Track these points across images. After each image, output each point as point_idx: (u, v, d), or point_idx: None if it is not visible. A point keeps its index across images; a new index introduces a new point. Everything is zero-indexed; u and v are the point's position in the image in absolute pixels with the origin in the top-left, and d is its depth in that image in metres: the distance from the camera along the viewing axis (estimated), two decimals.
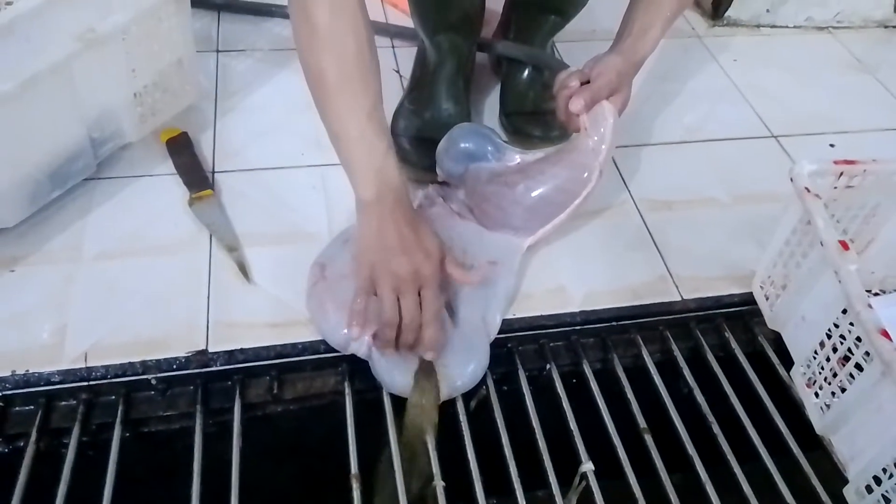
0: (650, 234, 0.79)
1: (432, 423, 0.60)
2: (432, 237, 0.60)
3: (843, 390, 0.59)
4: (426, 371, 0.61)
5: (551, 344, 0.69)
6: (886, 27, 1.17)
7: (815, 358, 0.63)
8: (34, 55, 0.62)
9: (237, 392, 0.63)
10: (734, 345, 0.71)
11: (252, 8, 1.00)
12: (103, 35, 0.67)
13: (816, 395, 0.63)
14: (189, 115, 0.83)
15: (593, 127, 0.69)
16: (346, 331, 0.62)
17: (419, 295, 0.58)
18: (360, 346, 0.62)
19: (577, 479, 0.61)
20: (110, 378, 0.61)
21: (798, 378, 0.66)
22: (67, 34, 0.64)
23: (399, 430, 0.61)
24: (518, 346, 0.68)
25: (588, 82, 0.69)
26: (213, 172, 0.79)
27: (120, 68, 0.72)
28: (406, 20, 0.98)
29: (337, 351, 0.64)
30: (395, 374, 0.61)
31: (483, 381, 0.65)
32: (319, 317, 0.64)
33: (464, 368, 0.62)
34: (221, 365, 0.63)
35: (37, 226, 0.71)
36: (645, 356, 0.69)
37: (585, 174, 0.70)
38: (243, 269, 0.69)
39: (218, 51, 0.95)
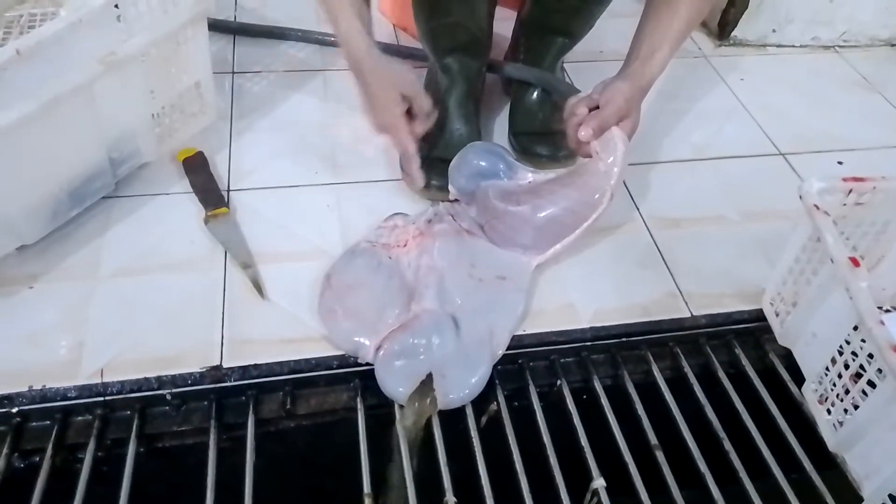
0: (659, 251, 0.79)
1: (419, 430, 0.62)
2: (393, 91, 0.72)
3: (856, 407, 0.59)
4: (424, 381, 0.62)
5: (562, 360, 0.69)
6: (893, 46, 1.17)
7: (826, 375, 0.63)
8: (57, 77, 0.64)
9: (251, 407, 0.63)
10: (745, 361, 0.71)
11: (267, 31, 1.02)
12: (124, 58, 0.69)
13: (829, 412, 0.63)
14: (205, 135, 0.85)
15: (605, 151, 0.69)
16: (357, 338, 0.65)
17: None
18: (368, 352, 0.64)
19: (588, 496, 0.61)
20: (126, 393, 0.62)
21: (810, 395, 0.66)
22: (89, 57, 0.66)
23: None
24: (529, 362, 0.68)
25: (596, 108, 0.70)
26: (229, 191, 0.80)
27: (139, 90, 0.74)
28: (417, 43, 1.00)
29: (349, 367, 0.65)
30: (396, 382, 0.62)
31: (494, 396, 0.65)
32: (330, 324, 0.66)
33: (461, 381, 0.63)
34: (236, 380, 0.63)
35: (56, 243, 0.72)
36: (655, 372, 0.69)
37: (596, 196, 0.70)
38: (258, 286, 0.70)
39: (234, 72, 0.97)
